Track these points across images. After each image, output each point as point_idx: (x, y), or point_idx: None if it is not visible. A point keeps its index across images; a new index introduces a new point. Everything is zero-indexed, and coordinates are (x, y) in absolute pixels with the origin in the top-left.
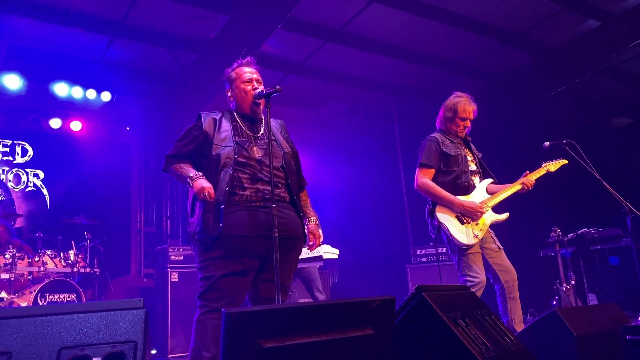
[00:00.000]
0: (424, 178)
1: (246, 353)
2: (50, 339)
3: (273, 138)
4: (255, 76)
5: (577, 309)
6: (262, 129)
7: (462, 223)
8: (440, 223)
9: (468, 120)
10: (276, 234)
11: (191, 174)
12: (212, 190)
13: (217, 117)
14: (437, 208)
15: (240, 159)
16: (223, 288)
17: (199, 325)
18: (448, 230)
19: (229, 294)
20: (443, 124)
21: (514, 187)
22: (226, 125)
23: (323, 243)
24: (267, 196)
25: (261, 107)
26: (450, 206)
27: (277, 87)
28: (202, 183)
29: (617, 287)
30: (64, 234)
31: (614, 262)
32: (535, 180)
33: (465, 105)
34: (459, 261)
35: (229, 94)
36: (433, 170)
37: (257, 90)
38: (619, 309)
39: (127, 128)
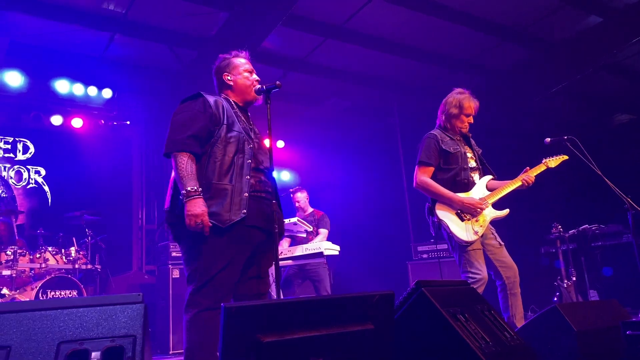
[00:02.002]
0: (423, 176)
1: (245, 348)
2: (49, 333)
3: (259, 133)
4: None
5: (578, 304)
6: (252, 122)
7: (462, 220)
8: (440, 220)
9: (471, 117)
10: (277, 230)
11: (192, 187)
12: (207, 219)
13: (220, 100)
14: (437, 205)
15: (250, 146)
16: (220, 282)
17: (192, 326)
18: (448, 227)
19: (224, 289)
20: (447, 121)
21: (514, 184)
22: (229, 110)
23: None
24: (266, 188)
25: (260, 100)
26: (449, 203)
27: (277, 82)
28: (202, 207)
29: (618, 283)
30: (65, 230)
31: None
32: (535, 176)
33: (469, 101)
34: (460, 258)
35: (228, 77)
36: (432, 168)
37: (257, 87)
38: (620, 305)
39: (128, 122)
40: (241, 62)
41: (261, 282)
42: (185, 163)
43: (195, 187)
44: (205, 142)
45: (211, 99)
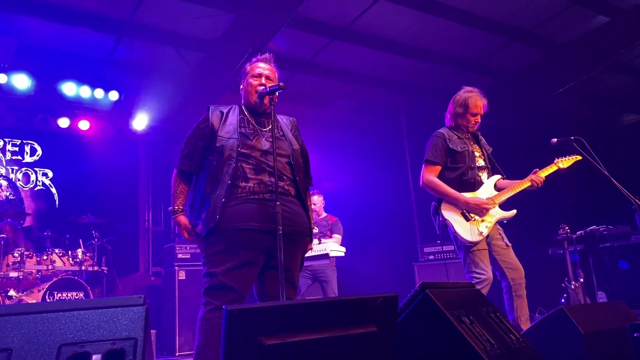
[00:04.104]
0: (430, 175)
1: (247, 350)
2: (50, 336)
3: (281, 133)
4: (266, 72)
5: (585, 306)
6: (270, 124)
7: (467, 220)
8: (445, 220)
9: (479, 116)
10: (280, 231)
11: (174, 207)
12: (184, 233)
13: (225, 111)
14: (443, 205)
15: (243, 150)
16: (225, 284)
17: (203, 324)
18: (453, 227)
19: (232, 290)
20: (453, 120)
21: (523, 184)
22: (232, 118)
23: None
24: (271, 188)
25: (266, 103)
26: (455, 203)
27: (281, 84)
28: (179, 223)
29: (626, 285)
30: (72, 232)
31: (623, 266)
32: (545, 177)
33: (476, 100)
34: (465, 258)
35: (241, 86)
36: (439, 167)
37: (261, 88)
38: (627, 307)
39: (133, 125)
40: (254, 66)
41: (288, 285)
42: (174, 182)
43: (174, 207)
44: (201, 156)
45: (215, 111)
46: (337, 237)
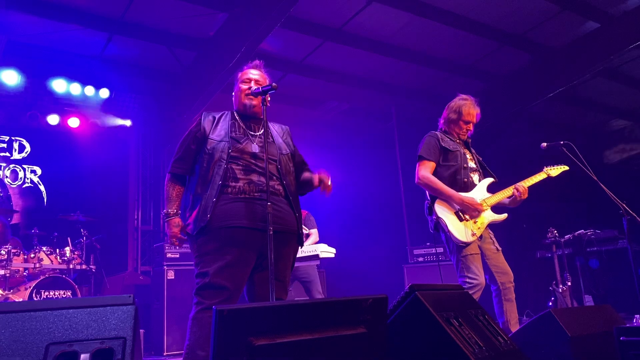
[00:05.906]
0: (425, 171)
1: (237, 350)
2: (38, 335)
3: (271, 139)
4: (255, 77)
5: (572, 309)
6: (262, 129)
7: (461, 220)
8: (438, 218)
9: (471, 124)
10: (271, 232)
11: (169, 210)
12: (178, 236)
13: (217, 116)
14: (436, 203)
15: (233, 153)
16: (217, 284)
17: (194, 323)
18: (446, 226)
19: (223, 289)
20: (446, 125)
21: (507, 191)
22: (224, 122)
23: (320, 242)
24: (261, 187)
25: (256, 104)
26: (449, 201)
27: (273, 84)
28: (173, 228)
29: (613, 288)
30: (60, 230)
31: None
32: (528, 186)
33: (469, 108)
34: (458, 262)
35: (233, 93)
36: (433, 164)
37: (253, 87)
38: (614, 310)
39: (129, 124)
40: (245, 73)
41: (278, 285)
42: (167, 186)
43: (168, 211)
44: (193, 159)
45: (207, 117)
46: (314, 231)
